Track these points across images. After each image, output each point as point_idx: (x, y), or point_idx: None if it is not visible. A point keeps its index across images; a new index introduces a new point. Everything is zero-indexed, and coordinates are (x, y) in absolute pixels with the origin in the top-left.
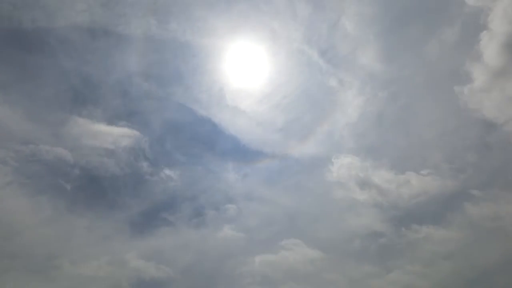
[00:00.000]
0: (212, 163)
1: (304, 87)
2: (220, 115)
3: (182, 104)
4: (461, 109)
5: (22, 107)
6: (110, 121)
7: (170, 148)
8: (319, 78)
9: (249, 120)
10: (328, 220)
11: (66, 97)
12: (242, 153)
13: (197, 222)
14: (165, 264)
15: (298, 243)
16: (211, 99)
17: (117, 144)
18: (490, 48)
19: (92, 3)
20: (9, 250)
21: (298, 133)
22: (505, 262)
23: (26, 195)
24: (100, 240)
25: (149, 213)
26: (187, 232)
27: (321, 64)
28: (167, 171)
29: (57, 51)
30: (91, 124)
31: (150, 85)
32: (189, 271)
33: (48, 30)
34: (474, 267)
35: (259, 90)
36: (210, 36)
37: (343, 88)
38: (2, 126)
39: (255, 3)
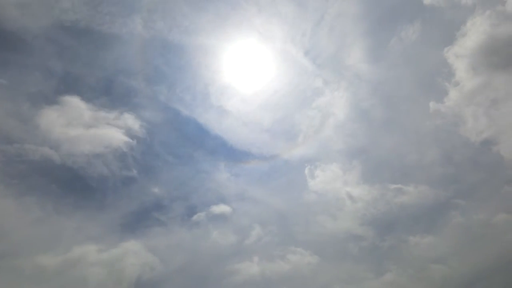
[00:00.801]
0: (199, 163)
1: (289, 87)
2: (205, 115)
3: (166, 103)
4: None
5: (5, 105)
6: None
7: (156, 148)
8: (305, 78)
9: (235, 121)
10: (311, 222)
11: (49, 95)
12: (228, 153)
13: (183, 221)
14: (155, 264)
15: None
16: (195, 98)
17: (103, 143)
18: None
19: (76, 2)
20: None
21: (285, 133)
22: (487, 269)
23: (11, 195)
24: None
25: (138, 214)
26: (177, 231)
27: (306, 63)
28: (154, 171)
29: (41, 50)
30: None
31: (136, 84)
32: (180, 270)
33: (31, 28)
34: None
35: (244, 90)
36: (197, 35)
37: (329, 89)
38: None
39: (238, 2)
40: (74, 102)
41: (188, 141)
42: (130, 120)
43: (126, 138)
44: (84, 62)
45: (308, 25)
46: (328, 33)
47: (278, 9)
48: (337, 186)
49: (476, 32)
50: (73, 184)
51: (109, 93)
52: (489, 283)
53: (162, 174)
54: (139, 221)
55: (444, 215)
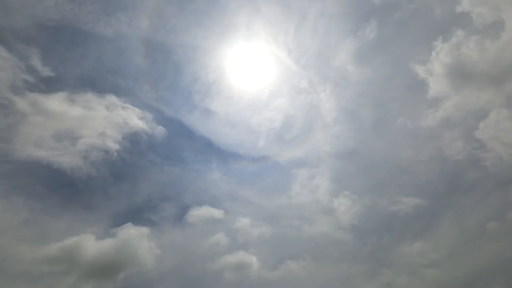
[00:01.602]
0: (184, 164)
1: (274, 87)
2: (189, 116)
3: (149, 104)
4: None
5: None
6: None
7: (141, 148)
8: (289, 78)
9: (220, 121)
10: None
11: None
12: (215, 154)
13: (163, 219)
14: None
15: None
16: (180, 98)
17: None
18: None
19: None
20: None
21: (272, 134)
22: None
23: None
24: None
25: (125, 213)
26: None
27: (290, 63)
28: (140, 172)
29: (24, 49)
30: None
31: (118, 82)
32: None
33: (14, 27)
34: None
35: (229, 91)
36: (180, 34)
37: (314, 89)
38: None
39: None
40: (57, 100)
41: (172, 141)
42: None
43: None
44: (66, 61)
45: (290, 25)
46: (311, 33)
47: (259, 7)
48: (323, 190)
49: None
50: (60, 184)
51: (93, 91)
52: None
53: (148, 175)
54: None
55: (435, 221)
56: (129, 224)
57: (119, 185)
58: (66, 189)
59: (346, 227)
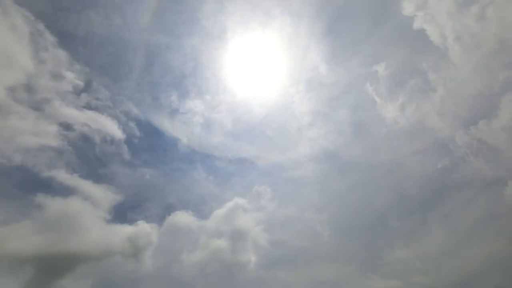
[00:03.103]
0: (152, 165)
1: (248, 88)
2: (158, 118)
3: (116, 104)
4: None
5: None
6: None
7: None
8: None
9: (195, 123)
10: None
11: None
12: (188, 156)
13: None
14: None
15: None
16: (149, 100)
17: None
18: None
19: None
20: None
21: (247, 137)
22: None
23: None
24: None
25: None
26: None
27: (260, 64)
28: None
29: None
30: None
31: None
32: None
33: None
34: None
35: (201, 92)
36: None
37: (289, 90)
38: None
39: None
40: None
41: (140, 142)
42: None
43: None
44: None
45: (258, 24)
46: (280, 33)
47: (224, 6)
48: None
49: None
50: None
51: None
52: None
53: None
54: None
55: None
56: None
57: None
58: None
59: (331, 228)
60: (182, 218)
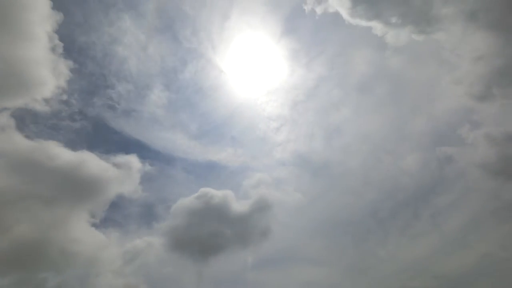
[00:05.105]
0: None
1: (204, 88)
2: (116, 119)
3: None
4: None
5: None
6: None
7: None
8: (221, 79)
9: (158, 125)
10: None
11: None
12: (150, 157)
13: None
14: None
15: None
16: (106, 101)
17: None
18: None
19: None
20: None
21: (211, 140)
22: None
23: None
24: None
25: None
26: None
27: (218, 62)
28: None
29: None
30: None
31: None
32: None
33: None
34: None
35: (165, 92)
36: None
37: (258, 94)
38: None
39: None
40: None
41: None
42: None
43: None
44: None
45: (214, 22)
46: (236, 31)
47: (177, 5)
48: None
49: None
50: None
51: None
52: None
53: None
54: None
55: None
56: None
57: None
58: None
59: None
60: None
